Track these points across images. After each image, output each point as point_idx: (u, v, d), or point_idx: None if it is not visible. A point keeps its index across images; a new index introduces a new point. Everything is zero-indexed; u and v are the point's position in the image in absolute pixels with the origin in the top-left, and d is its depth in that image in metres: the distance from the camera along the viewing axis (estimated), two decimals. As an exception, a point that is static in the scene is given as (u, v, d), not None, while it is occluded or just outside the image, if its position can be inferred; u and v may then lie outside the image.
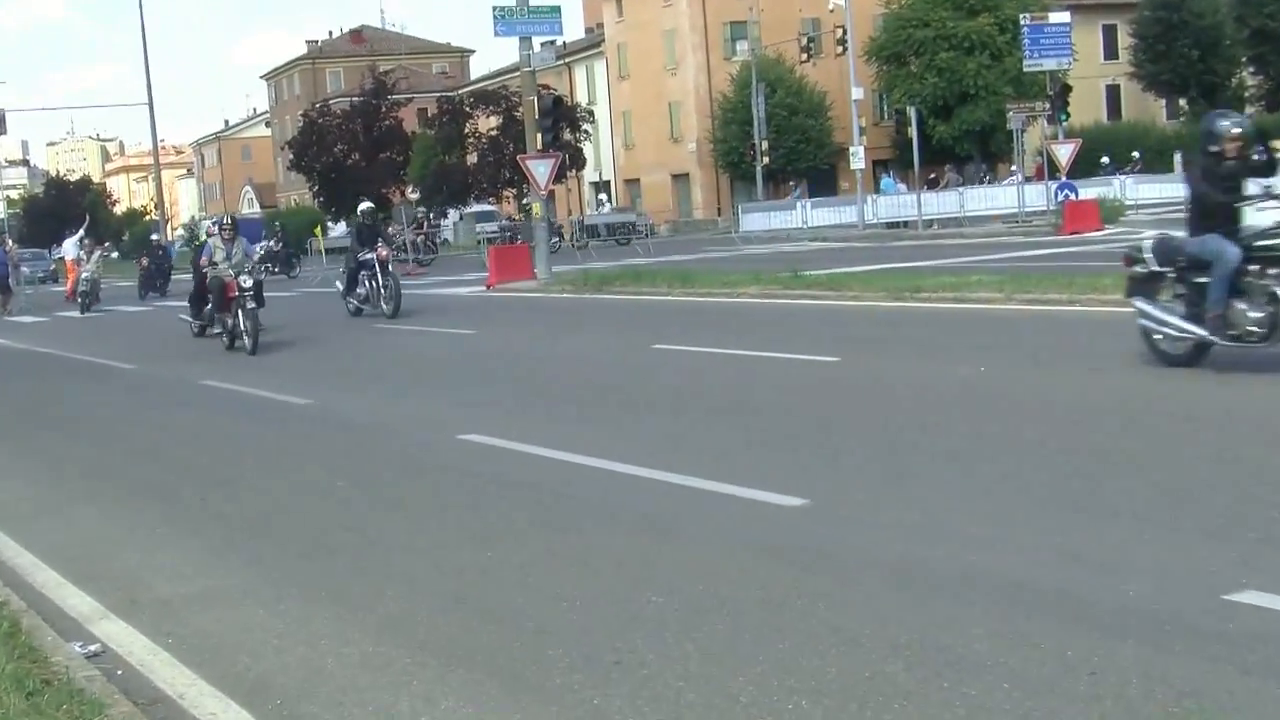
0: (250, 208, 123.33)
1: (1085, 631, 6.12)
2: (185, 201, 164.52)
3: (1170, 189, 57.60)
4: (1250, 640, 5.89)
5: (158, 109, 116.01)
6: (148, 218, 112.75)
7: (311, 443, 13.68)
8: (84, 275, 41.16)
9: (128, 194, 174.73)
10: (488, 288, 35.54)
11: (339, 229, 72.02)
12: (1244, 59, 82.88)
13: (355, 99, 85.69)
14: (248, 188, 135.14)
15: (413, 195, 68.04)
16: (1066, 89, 52.60)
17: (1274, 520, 7.68)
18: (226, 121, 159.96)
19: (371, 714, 5.93)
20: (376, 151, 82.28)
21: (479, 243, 63.91)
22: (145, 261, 47.90)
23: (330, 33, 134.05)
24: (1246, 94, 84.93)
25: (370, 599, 7.66)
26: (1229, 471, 9.14)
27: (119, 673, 6.68)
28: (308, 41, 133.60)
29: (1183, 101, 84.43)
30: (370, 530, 9.40)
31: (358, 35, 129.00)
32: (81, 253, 44.64)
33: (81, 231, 51.25)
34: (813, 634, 6.39)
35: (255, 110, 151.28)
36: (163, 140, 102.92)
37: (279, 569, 8.55)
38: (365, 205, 31.50)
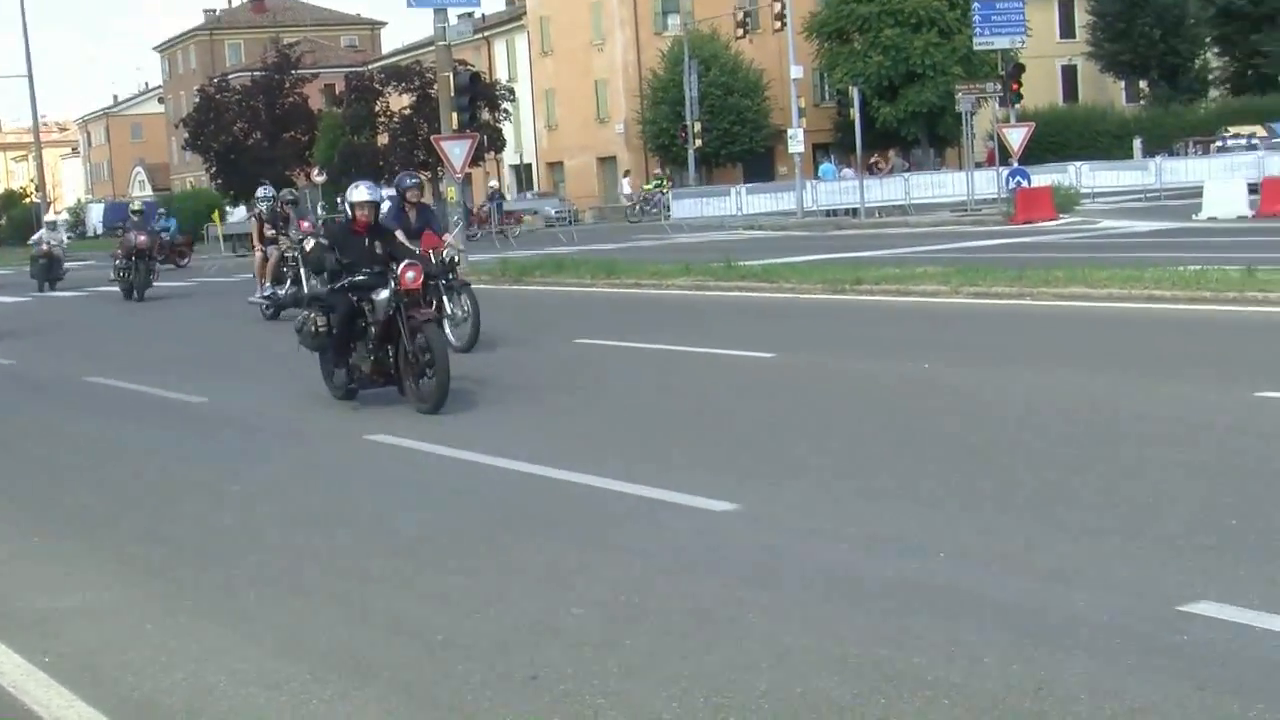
0: (142, 190, 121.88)
1: (1032, 645, 6.17)
2: (70, 183, 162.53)
3: (1129, 176, 58.27)
4: (1204, 653, 5.96)
5: (38, 82, 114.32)
6: (27, 200, 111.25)
7: (205, 443, 13.57)
8: None
9: (5, 175, 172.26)
10: (398, 278, 35.34)
11: (238, 214, 71.40)
12: (1208, 39, 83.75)
13: (256, 73, 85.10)
14: (139, 169, 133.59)
15: (319, 178, 67.51)
16: (1019, 69, 52.78)
17: (1231, 528, 7.78)
18: (115, 97, 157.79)
19: (266, 734, 5.90)
20: (280, 130, 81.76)
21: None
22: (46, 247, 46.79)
23: (229, 1, 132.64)
24: (1210, 76, 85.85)
25: (268, 611, 7.61)
26: (1185, 478, 9.25)
27: (-11, 696, 6.60)
28: (205, 10, 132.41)
29: (1143, 84, 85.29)
30: (269, 538, 9.34)
31: (259, 4, 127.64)
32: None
33: None
34: (742, 647, 6.41)
35: (147, 85, 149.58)
36: (44, 116, 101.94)
37: (168, 580, 8.47)
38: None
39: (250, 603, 7.81)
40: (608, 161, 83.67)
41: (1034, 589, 7.01)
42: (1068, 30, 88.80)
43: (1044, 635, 6.28)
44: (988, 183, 51.00)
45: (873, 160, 64.98)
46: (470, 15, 39.19)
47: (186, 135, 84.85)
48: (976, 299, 20.56)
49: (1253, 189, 40.56)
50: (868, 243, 37.73)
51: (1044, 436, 10.97)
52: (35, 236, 45.47)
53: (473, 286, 19.92)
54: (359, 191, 14.75)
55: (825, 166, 67.87)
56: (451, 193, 37.71)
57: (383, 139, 78.94)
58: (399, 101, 78.30)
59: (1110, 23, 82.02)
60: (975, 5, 51.59)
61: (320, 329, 14.45)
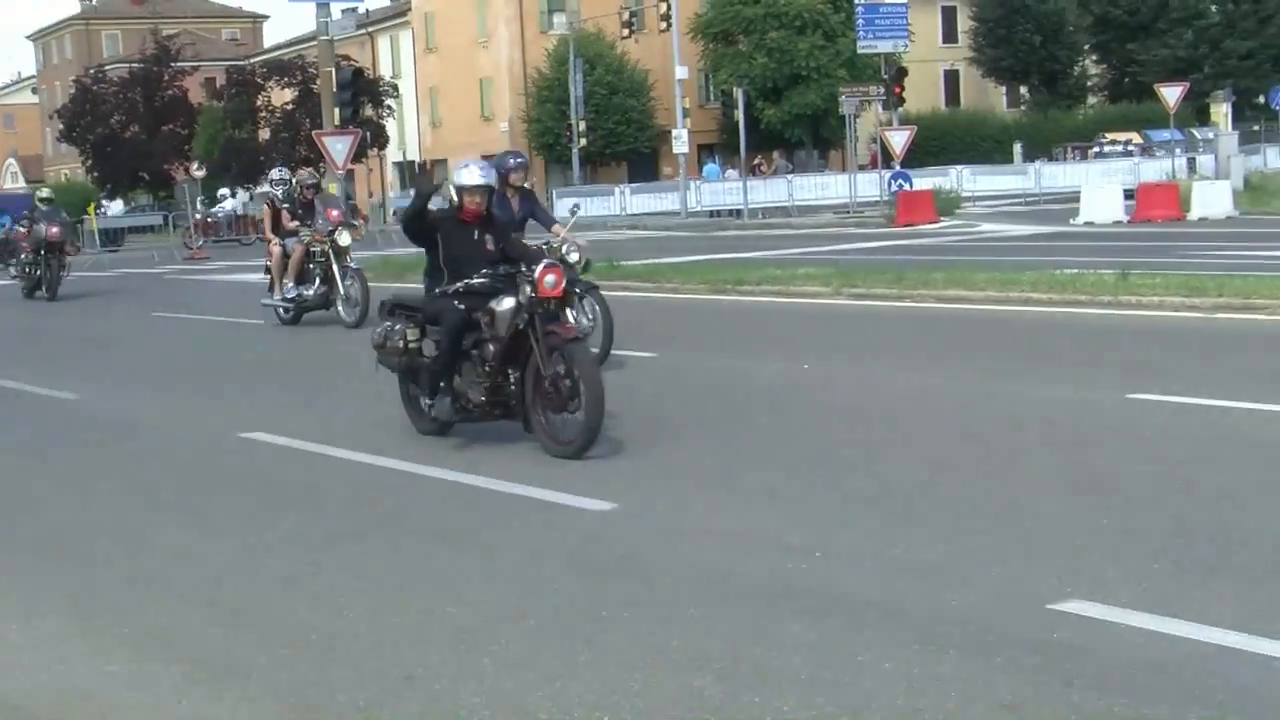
0: (14, 183, 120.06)
1: (905, 643, 6.23)
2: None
3: (1009, 181, 58.94)
4: (1073, 650, 6.05)
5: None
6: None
7: (75, 441, 13.37)
8: None
9: None
10: (278, 274, 35.06)
11: (115, 207, 70.41)
12: (1086, 47, 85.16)
13: (135, 65, 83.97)
14: (11, 160, 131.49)
15: (198, 173, 66.75)
16: (902, 73, 53.38)
17: (1101, 528, 7.90)
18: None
19: (134, 736, 5.84)
20: (159, 123, 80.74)
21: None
22: None
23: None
24: (1089, 83, 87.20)
25: (138, 612, 7.52)
26: (1056, 479, 9.38)
27: None
28: (81, 0, 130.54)
29: (1024, 89, 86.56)
30: (141, 537, 9.22)
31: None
32: None
33: None
34: (617, 645, 6.43)
35: (20, 74, 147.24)
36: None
37: (32, 581, 8.35)
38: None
39: (121, 602, 7.71)
40: (490, 158, 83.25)
41: (906, 588, 7.08)
42: (950, 35, 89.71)
43: (916, 633, 6.34)
44: (870, 185, 51.46)
45: (757, 162, 65.27)
46: (354, 10, 39.10)
47: (61, 127, 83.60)
48: (857, 300, 20.73)
49: (1128, 195, 41.22)
50: (751, 244, 37.91)
51: (919, 437, 11.09)
52: None
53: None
54: (469, 173, 11.85)
55: (710, 167, 68.12)
56: (333, 188, 37.45)
57: (264, 134, 78.26)
58: (281, 96, 77.62)
59: (991, 29, 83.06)
60: (859, 9, 52.08)
61: (410, 344, 11.68)
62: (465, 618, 7.00)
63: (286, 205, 22.89)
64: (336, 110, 37.10)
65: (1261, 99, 72.34)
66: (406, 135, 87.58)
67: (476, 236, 11.74)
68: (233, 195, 68.46)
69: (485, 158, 16.88)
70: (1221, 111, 55.18)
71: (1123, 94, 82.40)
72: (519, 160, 16.86)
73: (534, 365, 10.92)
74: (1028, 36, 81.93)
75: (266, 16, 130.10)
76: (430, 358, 11.60)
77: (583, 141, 69.28)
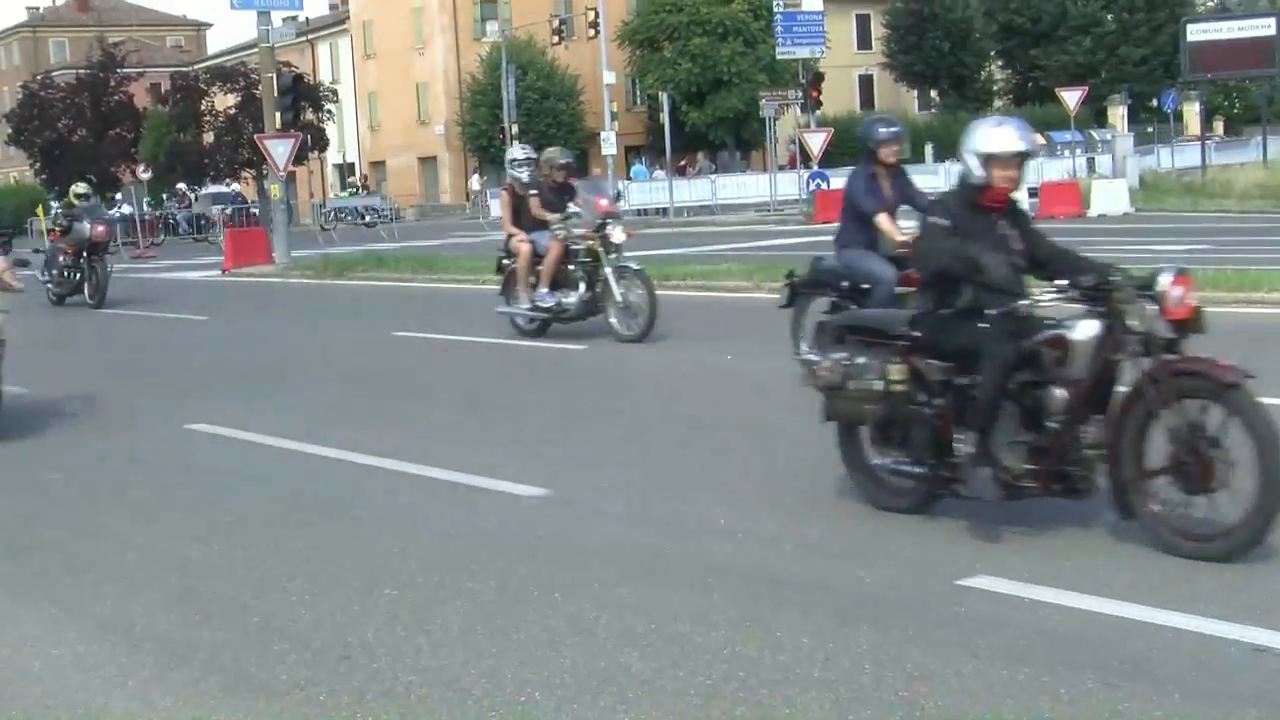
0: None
1: (821, 619, 6.26)
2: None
3: (922, 180, 59.14)
4: (979, 624, 6.11)
5: None
6: None
7: (26, 432, 13.21)
8: None
9: None
10: (223, 272, 34.89)
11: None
12: (992, 53, 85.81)
13: (81, 71, 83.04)
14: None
15: (144, 175, 66.26)
16: (819, 77, 53.51)
17: (1004, 510, 7.92)
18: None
19: (81, 715, 5.78)
20: (105, 128, 79.96)
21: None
22: None
23: (54, 0, 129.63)
24: (995, 87, 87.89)
25: (84, 598, 7.44)
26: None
27: None
28: (28, 7, 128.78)
29: (934, 93, 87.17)
30: (87, 525, 9.13)
31: (84, 3, 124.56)
32: None
33: None
34: (548, 625, 6.43)
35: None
36: None
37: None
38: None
39: (67, 589, 7.63)
40: (428, 161, 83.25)
41: (825, 568, 7.11)
42: (864, 42, 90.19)
43: (832, 610, 6.38)
44: (789, 185, 51.56)
45: (682, 163, 65.44)
46: (294, 18, 38.67)
47: (10, 131, 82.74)
48: (776, 294, 20.71)
49: (1032, 193, 41.43)
50: (676, 241, 37.90)
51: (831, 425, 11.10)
52: None
53: (293, 280, 19.64)
54: (1004, 135, 7.88)
55: (637, 168, 68.16)
56: (275, 190, 37.31)
57: (208, 137, 77.63)
58: (224, 101, 76.96)
59: (903, 36, 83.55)
60: (778, 17, 52.12)
61: (895, 386, 7.87)
62: (402, 599, 6.97)
63: (535, 191, 17.65)
64: (278, 115, 36.99)
65: (1155, 102, 73.19)
66: (346, 138, 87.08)
67: (1001, 230, 8.04)
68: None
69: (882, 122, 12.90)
70: (1118, 114, 55.75)
71: (1026, 97, 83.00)
72: (892, 130, 12.69)
73: (1135, 418, 7.24)
74: (937, 43, 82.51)
75: (210, 24, 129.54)
76: (947, 403, 7.79)
77: (515, 143, 69.15)
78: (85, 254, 26.61)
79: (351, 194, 78.75)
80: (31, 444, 12.50)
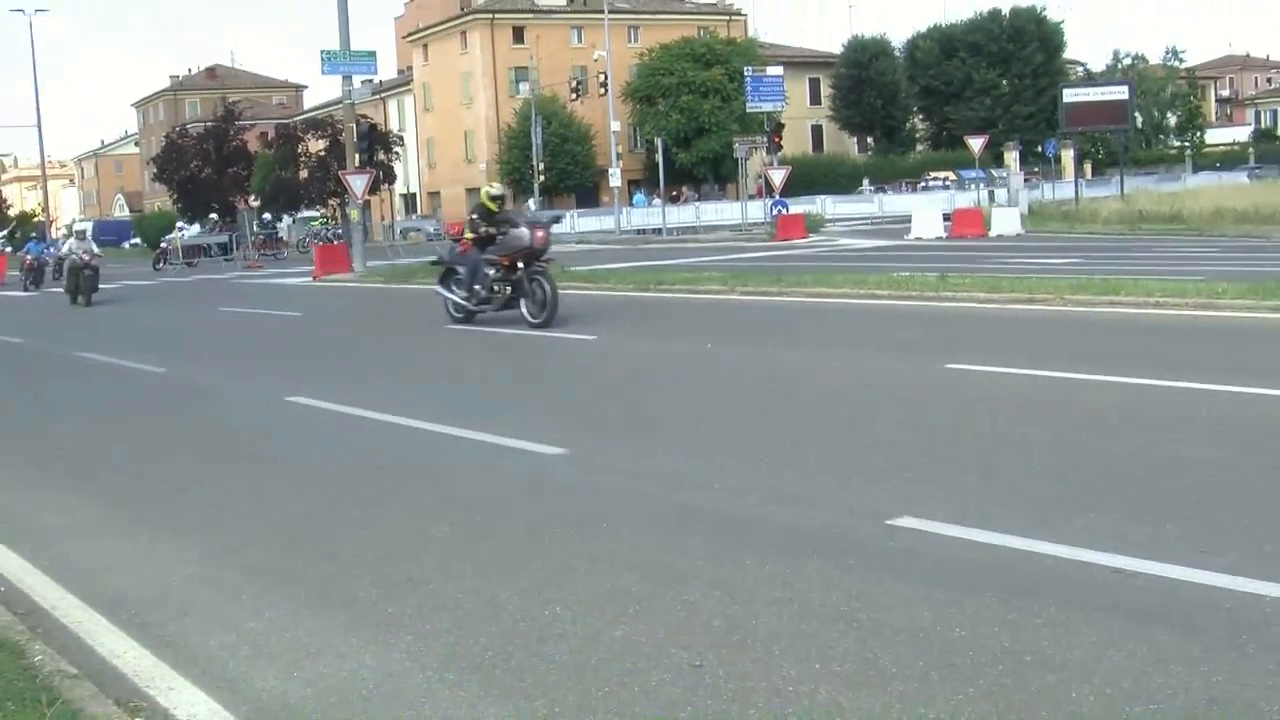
0: (121, 212, 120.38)
1: (779, 552, 6.21)
2: (67, 207, 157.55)
3: (861, 208, 59.28)
4: (905, 555, 6.06)
5: (45, 129, 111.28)
6: (35, 219, 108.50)
7: (163, 403, 13.21)
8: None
9: (20, 200, 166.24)
10: (314, 279, 34.82)
11: (193, 229, 69.61)
12: (915, 108, 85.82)
13: (209, 124, 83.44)
14: (119, 196, 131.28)
15: (254, 203, 66.44)
16: (780, 127, 53.43)
17: (924, 464, 7.92)
18: (102, 141, 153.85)
19: (209, 620, 5.75)
20: (226, 167, 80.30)
21: (301, 241, 62.92)
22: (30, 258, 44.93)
23: (189, 69, 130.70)
24: (917, 135, 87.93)
25: (207, 530, 7.42)
26: (893, 428, 9.39)
27: (0, 589, 6.42)
28: (170, 76, 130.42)
29: (870, 139, 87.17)
30: (208, 474, 9.10)
31: (211, 72, 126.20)
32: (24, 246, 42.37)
33: (4, 232, 50.72)
34: (565, 557, 6.38)
35: (127, 132, 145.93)
36: (49, 156, 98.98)
37: (131, 507, 8.24)
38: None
39: (193, 525, 7.61)
40: (473, 191, 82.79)
41: (781, 511, 7.07)
42: (815, 98, 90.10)
43: (787, 544, 6.33)
44: (757, 210, 51.54)
45: (673, 193, 65.29)
46: (370, 81, 38.67)
47: (155, 170, 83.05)
48: (747, 296, 20.71)
49: (946, 217, 41.47)
50: (668, 254, 37.84)
51: (790, 398, 11.10)
52: (64, 246, 33.96)
53: (367, 285, 19.55)
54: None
55: (637, 197, 68.10)
56: (354, 214, 37.25)
57: (303, 174, 77.79)
58: (315, 145, 77.13)
59: (846, 94, 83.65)
60: (748, 80, 52.18)
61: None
62: (451, 535, 6.93)
63: (474, 215, 17.32)
64: (357, 155, 36.96)
65: (1040, 149, 73.34)
66: (409, 174, 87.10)
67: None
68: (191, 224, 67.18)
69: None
70: (1012, 156, 55.80)
71: (941, 143, 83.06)
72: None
73: None
74: (872, 100, 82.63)
75: (306, 86, 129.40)
76: None
77: (542, 178, 69.08)
78: (522, 264, 17.80)
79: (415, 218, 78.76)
80: (169, 413, 12.49)
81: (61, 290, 34.48)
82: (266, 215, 65.32)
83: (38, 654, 5.18)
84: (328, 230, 58.48)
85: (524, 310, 17.74)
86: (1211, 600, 5.20)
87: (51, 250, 45.37)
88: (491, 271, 18.15)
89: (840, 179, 75.21)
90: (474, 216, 18.64)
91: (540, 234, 17.85)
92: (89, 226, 28.27)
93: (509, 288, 18.05)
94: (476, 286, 18.40)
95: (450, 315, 18.88)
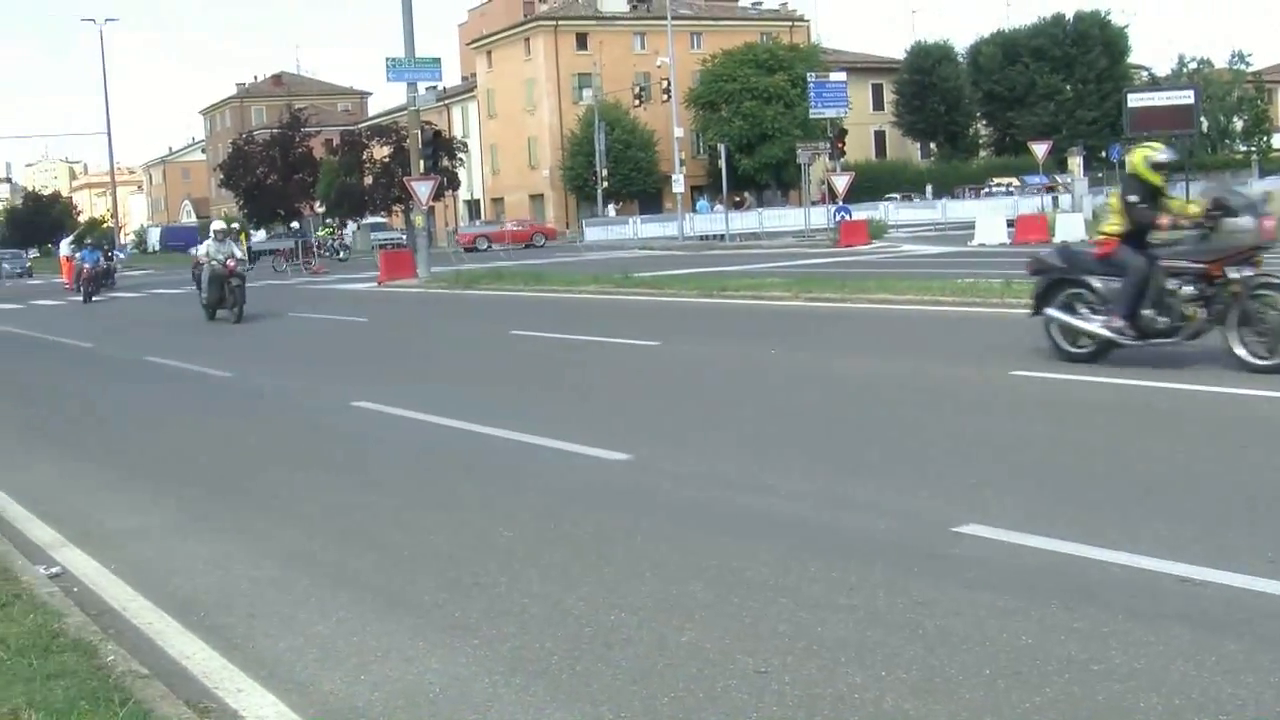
0: (189, 218, 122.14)
1: (845, 558, 6.19)
2: (135, 213, 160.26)
3: (923, 214, 58.85)
4: (970, 562, 6.02)
5: (114, 136, 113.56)
6: (105, 225, 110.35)
7: (231, 407, 13.36)
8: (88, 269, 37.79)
9: (90, 206, 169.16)
10: (379, 284, 35.09)
11: (259, 235, 70.49)
12: (978, 114, 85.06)
13: (275, 131, 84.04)
14: (186, 202, 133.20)
15: (320, 209, 66.99)
16: (843, 133, 53.15)
17: (989, 471, 7.85)
18: (170, 148, 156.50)
19: (277, 623, 5.82)
20: (291, 173, 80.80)
21: (373, 248, 63.39)
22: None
23: (255, 77, 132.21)
24: (980, 141, 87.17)
25: (275, 534, 7.51)
26: (956, 433, 9.31)
27: (75, 590, 6.53)
28: (237, 84, 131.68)
29: (933, 145, 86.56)
30: (275, 478, 9.20)
31: (277, 80, 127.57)
32: (78, 253, 42.13)
33: (72, 236, 51.36)
34: (631, 561, 6.39)
35: (194, 139, 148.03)
36: (118, 163, 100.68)
37: (200, 509, 8.33)
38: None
39: (260, 528, 7.70)
40: (536, 198, 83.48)
41: (846, 518, 7.04)
42: (879, 104, 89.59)
43: (853, 551, 6.31)
44: (820, 216, 51.28)
45: (736, 199, 65.20)
46: (434, 88, 38.82)
47: (222, 177, 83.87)
48: (811, 302, 20.63)
49: (1010, 224, 41.08)
50: (731, 260, 37.79)
51: (855, 404, 11.04)
52: (200, 249, 27.22)
53: (431, 290, 19.70)
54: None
55: (700, 203, 67.97)
56: (419, 220, 37.47)
57: (368, 180, 78.30)
58: (380, 152, 77.53)
59: (909, 100, 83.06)
60: (811, 85, 51.86)
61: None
62: (517, 540, 6.96)
63: None
64: (421, 162, 37.19)
65: (1104, 154, 72.49)
66: (473, 180, 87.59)
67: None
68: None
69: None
70: (1076, 162, 55.19)
71: (1005, 149, 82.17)
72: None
73: None
74: (935, 106, 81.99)
75: (370, 93, 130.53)
76: None
77: (605, 184, 69.35)
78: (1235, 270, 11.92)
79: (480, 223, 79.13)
80: (236, 415, 12.63)
81: (98, 298, 34.84)
82: (332, 221, 65.94)
83: (110, 654, 5.25)
84: (334, 241, 58.96)
85: (1234, 343, 11.19)
86: (1284, 611, 5.12)
87: (121, 254, 45.78)
88: (1175, 284, 11.67)
89: (903, 185, 74.84)
90: (1132, 199, 11.95)
91: (1270, 223, 11.47)
92: (222, 225, 25.64)
93: (1204, 307, 11.56)
94: (1147, 311, 11.71)
95: (1059, 349, 12.35)
